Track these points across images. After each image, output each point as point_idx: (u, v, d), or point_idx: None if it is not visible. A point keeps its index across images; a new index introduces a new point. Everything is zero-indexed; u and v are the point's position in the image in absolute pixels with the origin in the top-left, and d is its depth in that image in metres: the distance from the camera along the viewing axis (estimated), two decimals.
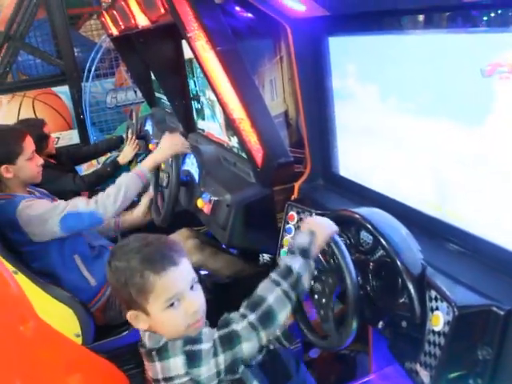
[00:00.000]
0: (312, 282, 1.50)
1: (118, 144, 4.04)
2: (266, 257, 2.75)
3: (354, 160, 1.87)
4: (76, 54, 5.25)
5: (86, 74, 4.90)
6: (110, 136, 4.88)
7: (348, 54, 1.73)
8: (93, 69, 4.79)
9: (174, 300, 1.23)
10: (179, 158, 2.49)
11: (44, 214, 2.09)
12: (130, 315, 1.29)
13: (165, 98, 3.78)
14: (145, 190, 2.89)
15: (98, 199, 2.16)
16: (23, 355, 1.27)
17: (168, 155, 2.42)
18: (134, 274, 1.22)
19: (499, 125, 1.19)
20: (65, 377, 1.49)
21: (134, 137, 3.65)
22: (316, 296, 1.49)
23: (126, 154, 3.68)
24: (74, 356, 1.60)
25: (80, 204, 2.14)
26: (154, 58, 3.30)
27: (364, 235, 1.50)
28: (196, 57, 2.00)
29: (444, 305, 1.17)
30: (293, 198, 1.98)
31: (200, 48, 1.94)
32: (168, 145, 2.41)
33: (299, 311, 1.57)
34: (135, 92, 5.43)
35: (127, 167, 3.66)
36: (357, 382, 2.17)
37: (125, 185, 2.20)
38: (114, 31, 3.58)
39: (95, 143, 4.21)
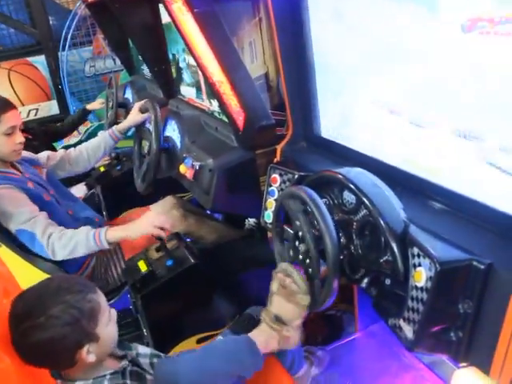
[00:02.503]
0: (297, 243, 1.51)
1: (83, 116, 4.02)
2: (251, 222, 2.76)
3: (335, 121, 1.86)
4: (51, 22, 5.11)
5: (61, 43, 4.77)
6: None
7: (328, 12, 1.70)
8: (69, 37, 4.67)
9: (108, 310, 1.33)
10: (160, 125, 2.46)
11: (7, 213, 2.04)
12: (82, 354, 1.25)
13: (144, 64, 3.71)
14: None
15: (52, 237, 2.06)
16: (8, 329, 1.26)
17: (140, 234, 2.10)
18: (81, 303, 1.24)
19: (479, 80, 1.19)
20: None
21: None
22: (300, 256, 1.50)
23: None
24: None
25: (38, 228, 2.05)
26: (131, 24, 3.21)
27: (347, 195, 1.50)
28: (173, 20, 1.96)
29: (426, 261, 1.17)
30: (275, 160, 1.97)
31: (177, 10, 1.89)
32: (145, 224, 2.07)
33: None
34: (114, 60, 5.33)
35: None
36: (343, 341, 2.22)
37: (75, 241, 2.06)
38: None
39: (61, 123, 4.14)
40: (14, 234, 2.10)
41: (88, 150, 2.65)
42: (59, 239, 2.05)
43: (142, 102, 2.77)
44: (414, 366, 2.04)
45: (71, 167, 2.62)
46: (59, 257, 2.08)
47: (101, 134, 2.78)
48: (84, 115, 4.05)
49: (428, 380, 1.98)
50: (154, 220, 2.07)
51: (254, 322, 1.54)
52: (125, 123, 2.77)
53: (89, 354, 1.25)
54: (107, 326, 1.31)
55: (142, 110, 2.73)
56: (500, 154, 1.19)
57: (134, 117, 2.75)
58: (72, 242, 2.06)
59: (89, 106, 3.97)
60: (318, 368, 2.06)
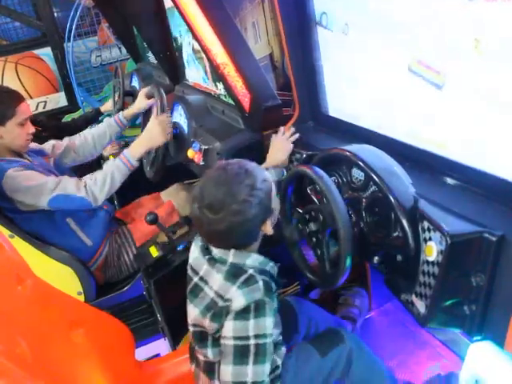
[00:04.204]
0: (307, 223, 1.50)
1: (96, 117, 3.98)
2: None
3: (343, 99, 1.84)
4: (55, 14, 5.10)
5: (67, 35, 4.76)
6: (87, 110, 4.80)
7: None
8: (73, 28, 4.64)
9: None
10: (166, 110, 2.45)
11: (33, 189, 2.07)
12: (266, 227, 1.35)
13: (150, 52, 3.69)
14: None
15: (87, 185, 2.13)
16: (24, 314, 1.28)
17: (160, 142, 2.33)
18: (260, 184, 1.30)
19: (489, 51, 1.16)
20: (68, 332, 1.50)
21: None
22: (312, 236, 1.50)
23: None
24: (75, 312, 1.60)
25: (69, 186, 2.11)
26: (134, 11, 3.19)
27: (356, 172, 1.49)
28: (175, 3, 1.94)
29: (437, 235, 1.16)
30: None
31: None
32: (159, 130, 2.29)
33: (298, 254, 1.59)
34: (120, 49, 5.29)
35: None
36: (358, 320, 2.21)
37: (110, 174, 2.17)
38: None
39: (73, 119, 4.12)
40: (37, 216, 2.16)
41: (94, 136, 2.64)
42: (95, 184, 2.14)
43: (148, 87, 2.75)
44: (429, 343, 2.03)
45: (76, 155, 2.61)
46: (101, 198, 2.17)
47: (106, 120, 2.75)
48: (97, 115, 4.02)
49: (443, 356, 1.97)
50: (162, 125, 2.30)
51: None
52: (130, 110, 2.75)
53: (269, 226, 1.34)
54: (276, 198, 1.39)
55: (148, 96, 2.71)
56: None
57: (140, 103, 2.73)
58: (108, 178, 2.16)
59: (102, 108, 3.93)
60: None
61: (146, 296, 2.21)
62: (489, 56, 1.15)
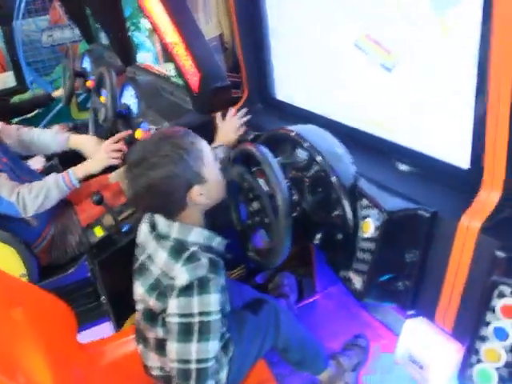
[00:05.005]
0: (251, 202, 1.50)
1: (46, 102, 3.88)
2: None
3: (292, 82, 1.85)
4: None
5: (16, 12, 4.59)
6: (38, 91, 4.67)
7: None
8: (22, 5, 4.49)
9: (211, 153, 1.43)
10: (115, 92, 2.41)
11: None
12: (193, 193, 1.32)
13: (103, 33, 3.62)
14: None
15: (20, 192, 2.05)
16: None
17: (103, 166, 2.27)
18: (186, 144, 1.30)
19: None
20: (7, 310, 1.46)
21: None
22: (256, 216, 1.50)
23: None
24: (15, 290, 1.57)
25: (3, 189, 2.03)
26: None
27: (299, 152, 1.49)
28: None
29: (374, 211, 1.19)
30: None
31: None
32: (105, 155, 2.25)
33: (244, 237, 1.59)
34: (72, 29, 5.16)
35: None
36: (302, 303, 2.25)
37: (47, 188, 2.11)
38: None
39: (22, 101, 4.00)
40: None
41: (39, 142, 2.50)
42: (29, 193, 2.07)
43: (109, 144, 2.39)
44: (370, 325, 2.08)
45: (19, 147, 2.48)
46: (31, 210, 2.08)
47: (55, 133, 2.58)
48: (48, 100, 3.91)
49: (384, 337, 2.02)
50: (107, 150, 2.23)
51: None
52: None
53: (200, 195, 1.32)
54: (213, 169, 1.38)
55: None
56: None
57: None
58: (43, 190, 2.09)
59: (54, 94, 3.83)
60: None
61: (91, 278, 2.18)
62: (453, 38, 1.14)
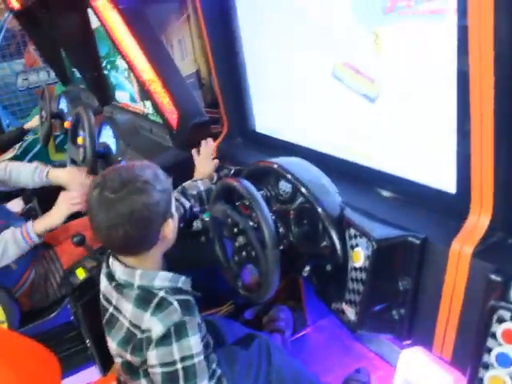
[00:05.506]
0: (236, 238, 1.48)
1: (20, 136, 3.84)
2: (199, 224, 2.70)
3: (270, 115, 1.85)
4: None
5: None
6: (11, 129, 4.64)
7: (255, 5, 1.69)
8: None
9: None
10: (94, 131, 2.39)
11: None
12: (166, 228, 1.28)
13: (79, 74, 3.61)
14: None
15: None
16: None
17: (64, 216, 2.14)
18: (163, 177, 1.29)
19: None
20: None
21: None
22: (242, 250, 1.47)
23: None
24: None
25: None
26: (61, 30, 3.13)
27: (283, 185, 1.48)
28: (99, 18, 1.91)
29: (363, 240, 1.17)
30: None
31: (102, 7, 1.84)
32: (65, 205, 2.13)
33: (231, 274, 1.56)
34: (48, 72, 5.16)
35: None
36: (294, 337, 2.20)
37: (5, 243, 2.00)
38: (15, 4, 3.37)
39: None
40: None
41: (17, 178, 2.43)
42: None
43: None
44: (364, 356, 2.04)
45: None
46: None
47: (34, 167, 2.45)
48: (22, 135, 3.87)
49: (380, 369, 1.98)
50: (69, 199, 2.13)
51: None
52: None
53: (170, 231, 1.29)
54: (175, 210, 1.35)
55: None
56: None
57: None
58: (0, 245, 1.98)
59: (26, 126, 3.80)
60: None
61: (74, 322, 2.11)
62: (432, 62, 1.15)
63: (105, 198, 1.19)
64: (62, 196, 2.17)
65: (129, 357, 1.28)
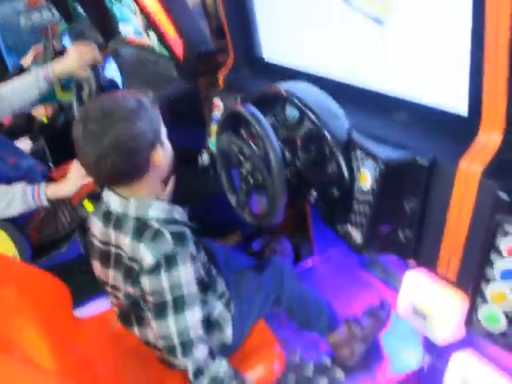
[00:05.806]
0: (242, 165, 1.47)
1: (19, 73, 3.77)
2: (204, 158, 2.68)
3: (278, 42, 1.80)
4: None
5: None
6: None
7: None
8: None
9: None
10: (98, 66, 2.34)
11: None
12: (155, 155, 1.27)
13: (82, 11, 3.52)
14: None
15: None
16: None
17: (77, 187, 2.06)
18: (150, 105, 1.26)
19: None
20: None
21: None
22: (249, 177, 1.46)
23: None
24: (6, 268, 1.54)
25: None
26: None
27: (290, 110, 1.45)
28: None
29: (370, 162, 1.16)
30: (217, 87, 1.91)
31: None
32: (78, 176, 2.04)
33: (239, 204, 1.56)
34: (51, 12, 5.05)
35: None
36: (301, 266, 2.23)
37: (10, 198, 1.96)
38: None
39: None
40: None
41: (12, 90, 2.17)
42: None
43: (82, 46, 2.44)
44: (370, 284, 2.07)
45: None
46: None
47: (34, 72, 2.22)
48: (20, 71, 3.81)
49: (385, 294, 2.01)
50: (81, 174, 2.02)
51: None
52: (61, 66, 2.21)
53: (159, 156, 1.26)
54: (166, 138, 1.33)
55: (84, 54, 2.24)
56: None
57: (74, 62, 2.19)
58: (6, 198, 1.96)
59: (23, 62, 3.70)
60: None
61: (84, 254, 2.15)
62: None
63: (89, 130, 1.18)
64: (75, 166, 2.09)
65: (130, 290, 1.31)
